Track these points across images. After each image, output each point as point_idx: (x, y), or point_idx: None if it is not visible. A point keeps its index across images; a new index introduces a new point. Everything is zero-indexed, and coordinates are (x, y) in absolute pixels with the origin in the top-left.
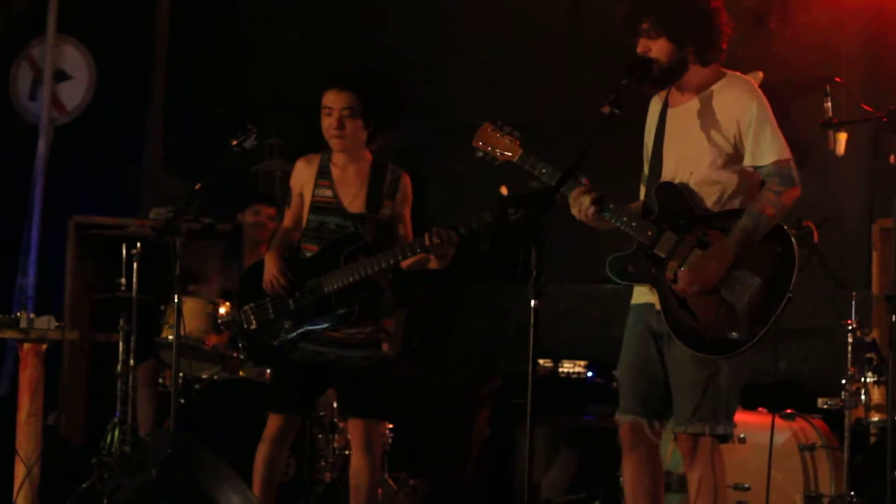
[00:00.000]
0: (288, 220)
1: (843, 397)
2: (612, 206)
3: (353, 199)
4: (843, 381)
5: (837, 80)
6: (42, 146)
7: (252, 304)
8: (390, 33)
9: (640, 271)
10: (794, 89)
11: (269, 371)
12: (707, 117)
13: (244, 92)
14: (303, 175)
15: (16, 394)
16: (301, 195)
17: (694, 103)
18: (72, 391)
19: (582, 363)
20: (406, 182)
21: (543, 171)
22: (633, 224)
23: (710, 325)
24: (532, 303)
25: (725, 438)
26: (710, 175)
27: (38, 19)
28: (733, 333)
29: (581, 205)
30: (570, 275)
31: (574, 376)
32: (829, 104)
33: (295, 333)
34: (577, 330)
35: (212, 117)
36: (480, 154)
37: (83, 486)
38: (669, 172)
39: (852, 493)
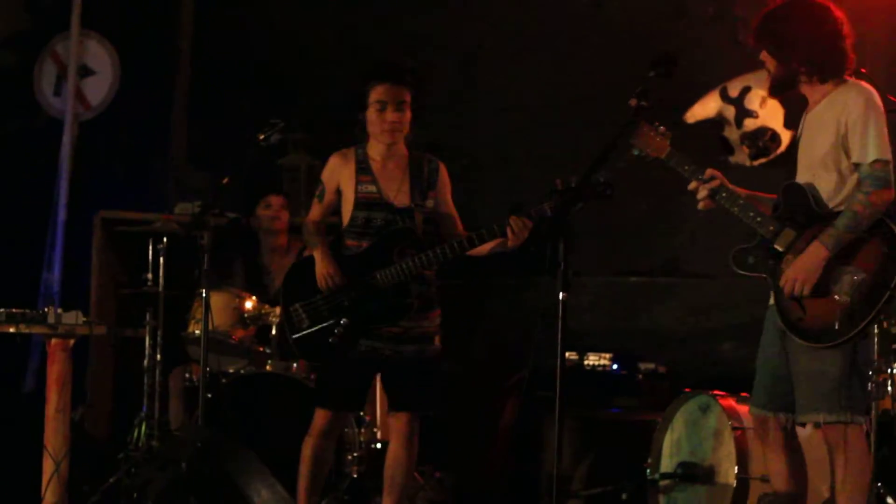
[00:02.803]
0: (317, 213)
1: (869, 388)
2: (724, 195)
3: (397, 193)
4: (870, 372)
5: (863, 70)
6: (66, 141)
7: (302, 303)
8: (417, 26)
9: (759, 263)
10: None
11: (295, 365)
12: (825, 121)
13: (269, 85)
14: (340, 171)
15: (43, 389)
16: (338, 191)
17: (818, 109)
18: (98, 386)
19: (607, 355)
20: (443, 170)
21: (686, 167)
22: (759, 219)
23: (816, 317)
24: (560, 295)
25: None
26: (830, 176)
27: (62, 15)
28: (837, 324)
29: (698, 192)
30: (596, 267)
31: (599, 369)
32: None
33: (352, 330)
34: (603, 322)
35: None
36: (636, 152)
37: (111, 480)
38: (801, 175)
39: (879, 483)
